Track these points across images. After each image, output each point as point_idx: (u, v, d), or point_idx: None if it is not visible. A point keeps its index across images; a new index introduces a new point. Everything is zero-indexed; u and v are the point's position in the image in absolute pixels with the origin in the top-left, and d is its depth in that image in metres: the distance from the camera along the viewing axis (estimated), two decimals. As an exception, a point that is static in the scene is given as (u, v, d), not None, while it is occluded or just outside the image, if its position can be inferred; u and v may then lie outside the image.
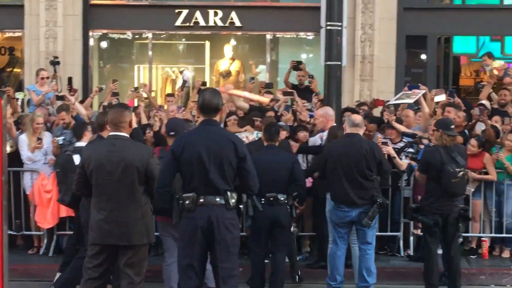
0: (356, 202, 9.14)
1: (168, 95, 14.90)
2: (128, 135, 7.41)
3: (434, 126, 10.02)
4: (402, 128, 11.39)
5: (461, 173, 9.46)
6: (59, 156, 10.38)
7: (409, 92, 11.92)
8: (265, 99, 11.64)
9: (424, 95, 11.81)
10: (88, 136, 9.55)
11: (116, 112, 7.43)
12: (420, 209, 9.87)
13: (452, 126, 9.73)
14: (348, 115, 10.29)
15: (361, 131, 9.45)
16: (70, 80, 13.76)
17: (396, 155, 10.61)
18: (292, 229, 9.78)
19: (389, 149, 10.47)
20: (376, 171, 9.25)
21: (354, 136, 9.30)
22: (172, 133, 8.34)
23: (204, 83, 13.67)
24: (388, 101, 12.97)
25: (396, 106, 12.81)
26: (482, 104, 12.85)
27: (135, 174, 7.16)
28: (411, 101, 11.89)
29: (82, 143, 9.37)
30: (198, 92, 13.16)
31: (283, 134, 10.54)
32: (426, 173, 9.73)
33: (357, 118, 9.62)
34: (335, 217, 9.37)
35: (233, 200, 6.82)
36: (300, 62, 15.06)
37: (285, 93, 13.09)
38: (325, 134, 10.42)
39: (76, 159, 9.05)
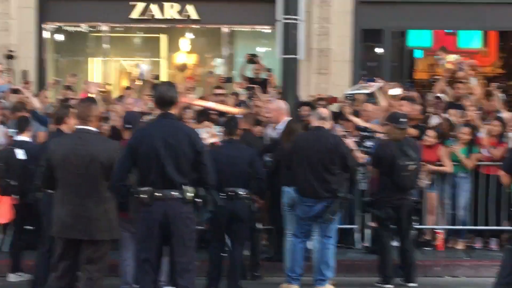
0: (321, 194, 9.17)
1: (127, 88, 14.82)
2: (96, 129, 7.34)
3: (385, 120, 10.09)
4: (359, 121, 11.44)
5: (412, 166, 9.56)
6: (1, 150, 10.25)
7: (366, 84, 12.03)
8: (234, 109, 11.52)
9: (381, 89, 11.87)
10: (31, 130, 9.49)
11: (84, 106, 7.36)
12: (373, 202, 9.97)
13: (402, 120, 9.79)
14: (305, 109, 10.35)
15: (327, 125, 9.49)
16: (25, 73, 13.59)
17: (354, 148, 10.68)
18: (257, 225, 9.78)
19: (348, 142, 10.53)
20: (340, 166, 9.29)
21: (321, 130, 9.34)
22: (128, 126, 8.30)
23: (156, 77, 13.56)
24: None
25: (354, 99, 12.92)
26: (438, 97, 12.98)
27: (100, 169, 7.08)
28: (368, 91, 11.99)
29: (25, 137, 9.32)
30: (151, 85, 13.09)
31: None
32: (378, 167, 9.82)
33: (324, 111, 9.69)
34: (300, 211, 9.39)
35: (190, 194, 6.78)
36: (255, 55, 15.11)
37: (247, 88, 13.09)
38: (279, 127, 10.42)
39: (19, 153, 8.98)
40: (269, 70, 13.67)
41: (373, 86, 11.85)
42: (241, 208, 9.16)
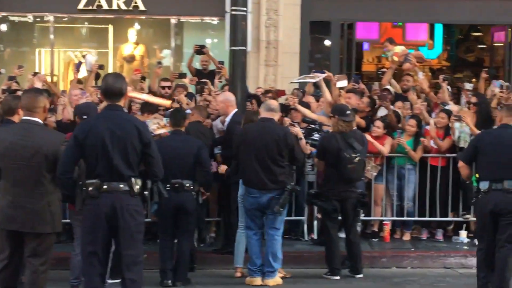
0: (268, 185, 9.18)
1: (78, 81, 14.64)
2: (41, 121, 7.24)
3: (331, 112, 10.13)
4: (307, 112, 11.46)
5: (357, 158, 9.63)
6: None
7: (311, 75, 12.10)
8: (165, 102, 11.44)
9: (327, 80, 11.91)
10: None
11: (30, 97, 7.27)
12: (318, 194, 10.03)
13: (348, 112, 9.86)
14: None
15: (276, 116, 9.50)
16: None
17: (302, 137, 10.70)
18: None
19: (297, 130, 10.54)
20: (288, 158, 9.31)
21: (269, 121, 9.35)
22: (85, 116, 8.18)
23: (101, 66, 13.40)
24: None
25: (303, 92, 13.00)
26: (386, 90, 13.07)
27: (43, 160, 7.00)
28: (313, 80, 12.07)
29: None
30: (96, 76, 12.94)
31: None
32: (324, 159, 9.87)
33: (273, 103, 9.70)
34: (247, 203, 9.40)
35: (138, 187, 6.72)
36: (203, 46, 15.02)
37: (198, 83, 13.02)
38: (227, 119, 10.40)
39: None
40: (221, 62, 13.58)
41: (319, 77, 11.90)
42: (187, 200, 9.14)
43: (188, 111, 11.30)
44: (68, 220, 8.75)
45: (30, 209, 6.98)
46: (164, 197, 8.58)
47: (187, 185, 9.12)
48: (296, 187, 9.43)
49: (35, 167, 6.99)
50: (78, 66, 13.69)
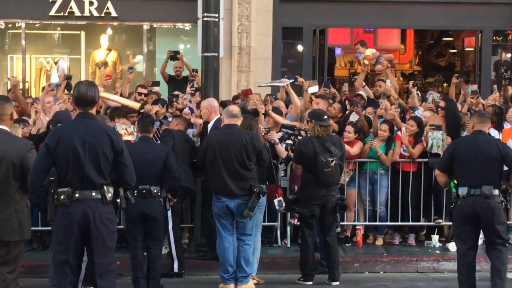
0: (235, 193, 9.21)
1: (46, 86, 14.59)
2: (7, 128, 7.21)
3: (307, 117, 10.18)
4: (280, 119, 11.49)
5: (333, 162, 9.67)
6: None
7: (278, 80, 12.19)
8: (134, 104, 11.42)
9: (299, 85, 11.96)
10: None
11: None
12: (297, 200, 10.04)
13: (325, 117, 9.95)
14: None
15: (239, 122, 9.51)
16: None
17: (278, 142, 10.72)
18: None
19: (273, 136, 10.54)
20: (255, 161, 9.35)
21: (233, 127, 9.36)
22: (59, 125, 8.14)
23: (68, 77, 13.28)
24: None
25: (275, 97, 13.03)
26: (359, 95, 13.14)
27: (10, 168, 6.99)
28: (281, 84, 12.12)
29: None
30: (65, 85, 12.86)
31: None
32: (301, 164, 9.90)
33: (235, 109, 9.69)
34: (216, 208, 9.41)
35: (110, 195, 6.70)
36: (177, 52, 15.02)
37: (170, 95, 12.92)
38: (209, 125, 10.42)
39: None
40: (195, 70, 13.55)
41: (286, 81, 11.97)
42: (154, 206, 9.11)
43: (170, 119, 11.33)
44: (39, 228, 8.71)
45: None
46: (131, 203, 8.53)
47: (155, 191, 9.09)
48: (263, 189, 9.42)
49: (2, 175, 6.98)
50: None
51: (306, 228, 9.97)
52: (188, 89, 13.09)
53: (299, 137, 10.87)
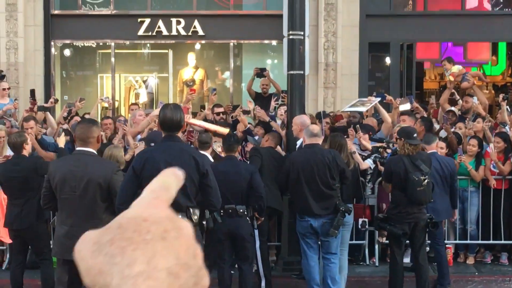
0: (319, 212, 9.15)
1: (133, 104, 14.82)
2: (94, 151, 7.33)
3: (397, 135, 10.05)
4: (367, 145, 11.31)
5: (426, 181, 9.50)
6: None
7: (365, 99, 11.96)
8: (223, 129, 11.45)
9: (393, 104, 11.81)
10: (27, 149, 9.53)
11: (84, 127, 7.35)
12: (387, 218, 9.89)
13: (415, 135, 9.78)
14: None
15: (320, 141, 9.45)
16: (32, 92, 13.59)
17: (356, 151, 10.59)
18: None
19: (351, 145, 10.47)
20: (339, 180, 9.28)
21: (315, 146, 9.30)
22: (152, 144, 8.27)
23: (70, 105, 13.39)
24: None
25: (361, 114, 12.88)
26: (451, 111, 12.90)
27: (97, 190, 7.08)
28: (364, 109, 11.91)
29: None
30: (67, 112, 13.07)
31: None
32: (391, 182, 9.77)
33: (316, 128, 9.61)
34: (300, 228, 9.37)
35: (196, 217, 6.76)
36: (264, 69, 15.00)
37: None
38: (298, 142, 10.39)
39: None
40: (284, 91, 13.46)
41: (371, 102, 11.79)
42: (240, 225, 9.11)
43: (256, 137, 11.36)
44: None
45: None
46: (218, 222, 8.56)
47: (241, 210, 9.09)
48: (348, 208, 9.33)
49: (89, 197, 7.08)
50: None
51: (396, 247, 9.82)
52: (273, 103, 13.08)
53: (388, 150, 10.76)
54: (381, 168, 10.66)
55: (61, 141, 8.70)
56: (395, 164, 9.67)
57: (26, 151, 9.49)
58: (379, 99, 11.84)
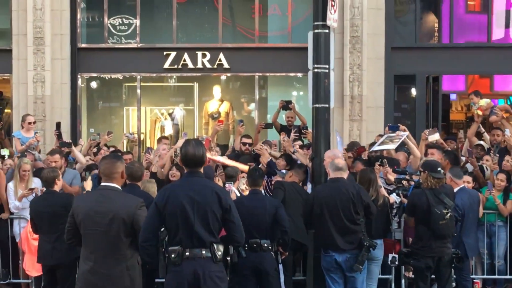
0: (344, 247, 9.08)
1: (164, 137, 14.88)
2: (118, 186, 7.33)
3: (421, 168, 9.97)
4: (392, 179, 11.24)
5: (448, 214, 9.41)
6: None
7: (393, 135, 11.81)
8: (244, 167, 11.40)
9: (407, 136, 11.73)
10: (59, 184, 9.55)
11: (108, 163, 7.36)
12: (411, 253, 9.79)
13: (439, 169, 9.69)
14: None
15: (345, 175, 9.39)
16: (58, 125, 13.68)
17: (381, 185, 10.51)
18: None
19: (384, 192, 10.40)
20: (363, 215, 9.20)
21: (339, 181, 9.25)
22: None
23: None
24: (373, 143, 12.77)
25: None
26: (480, 145, 12.78)
27: (121, 225, 7.06)
28: (393, 146, 11.78)
29: None
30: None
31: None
32: (413, 216, 9.68)
33: (340, 162, 9.56)
34: (324, 262, 9.30)
35: (220, 253, 6.73)
36: (289, 102, 14.97)
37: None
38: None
39: None
40: (304, 128, 13.42)
41: (400, 137, 11.66)
42: (265, 260, 9.04)
43: (283, 170, 11.31)
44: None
45: (109, 275, 7.02)
46: (242, 257, 8.50)
47: (265, 245, 9.03)
48: (373, 243, 9.24)
49: (113, 232, 7.05)
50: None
51: (421, 282, 9.72)
52: (292, 135, 13.07)
53: (411, 182, 10.66)
54: (404, 200, 10.56)
55: (88, 186, 8.71)
56: (418, 197, 9.60)
57: (58, 186, 9.55)
58: (407, 133, 11.72)
